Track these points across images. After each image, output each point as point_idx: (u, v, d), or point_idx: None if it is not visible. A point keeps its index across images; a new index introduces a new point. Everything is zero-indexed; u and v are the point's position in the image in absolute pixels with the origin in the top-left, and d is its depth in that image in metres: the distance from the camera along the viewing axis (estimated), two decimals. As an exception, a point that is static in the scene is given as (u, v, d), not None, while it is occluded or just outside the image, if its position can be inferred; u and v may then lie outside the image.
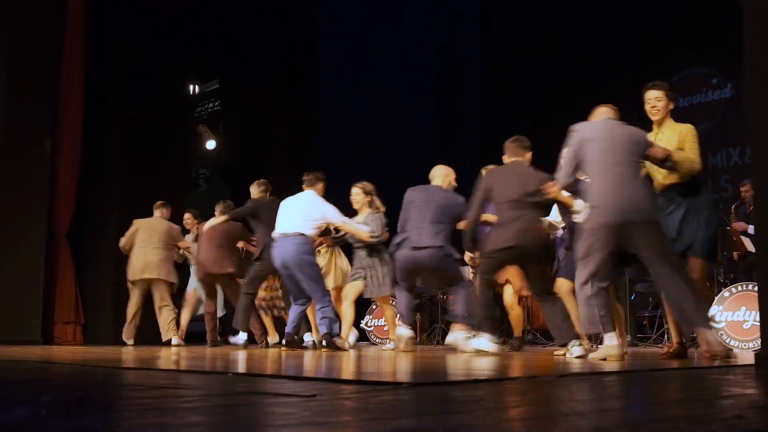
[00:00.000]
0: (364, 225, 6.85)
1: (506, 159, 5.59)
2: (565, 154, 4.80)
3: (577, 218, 5.02)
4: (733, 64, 9.61)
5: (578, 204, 5.02)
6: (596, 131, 4.69)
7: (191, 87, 11.68)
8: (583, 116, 5.01)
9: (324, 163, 10.75)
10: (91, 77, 9.35)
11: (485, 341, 5.46)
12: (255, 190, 7.60)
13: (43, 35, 8.85)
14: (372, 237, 6.73)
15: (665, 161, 4.66)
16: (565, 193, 5.15)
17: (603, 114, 4.89)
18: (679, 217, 4.78)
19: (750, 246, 7.12)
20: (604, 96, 5.58)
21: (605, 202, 4.51)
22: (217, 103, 12.80)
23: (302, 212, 6.71)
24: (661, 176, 4.87)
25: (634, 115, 5.09)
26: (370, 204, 7.03)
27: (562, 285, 5.52)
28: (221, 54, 11.22)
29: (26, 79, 8.71)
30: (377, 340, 9.30)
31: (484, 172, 6.01)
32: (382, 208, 7.04)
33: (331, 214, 6.72)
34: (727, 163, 10.28)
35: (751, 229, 7.16)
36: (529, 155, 5.55)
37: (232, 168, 12.00)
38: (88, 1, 9.30)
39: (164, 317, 8.19)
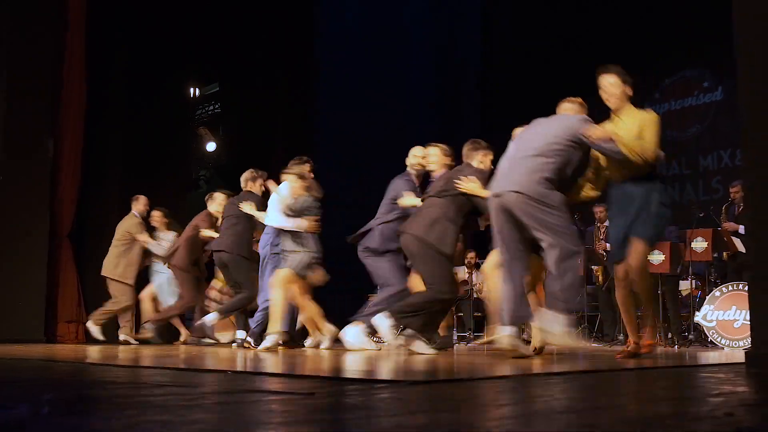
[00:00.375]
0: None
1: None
2: None
3: None
4: (724, 67, 9.68)
5: None
6: (525, 129, 4.74)
7: (192, 90, 11.74)
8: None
9: (324, 163, 10.76)
10: (91, 78, 9.38)
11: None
12: (242, 181, 7.44)
13: (43, 36, 8.85)
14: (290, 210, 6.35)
15: (609, 145, 4.40)
16: None
17: (564, 109, 4.86)
18: (626, 208, 4.56)
19: (740, 246, 7.18)
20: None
21: (495, 180, 4.56)
22: (217, 106, 12.87)
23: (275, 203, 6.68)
24: (619, 170, 4.63)
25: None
26: (308, 189, 6.63)
27: None
28: (221, 55, 11.25)
29: (27, 79, 8.73)
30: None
31: None
32: (316, 194, 6.61)
33: (271, 199, 6.62)
34: (718, 164, 10.37)
35: (741, 229, 7.23)
36: (481, 155, 5.46)
37: (232, 169, 12.04)
38: (89, 2, 9.31)
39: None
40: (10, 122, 8.59)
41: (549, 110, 5.00)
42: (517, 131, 4.86)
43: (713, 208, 8.00)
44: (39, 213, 8.69)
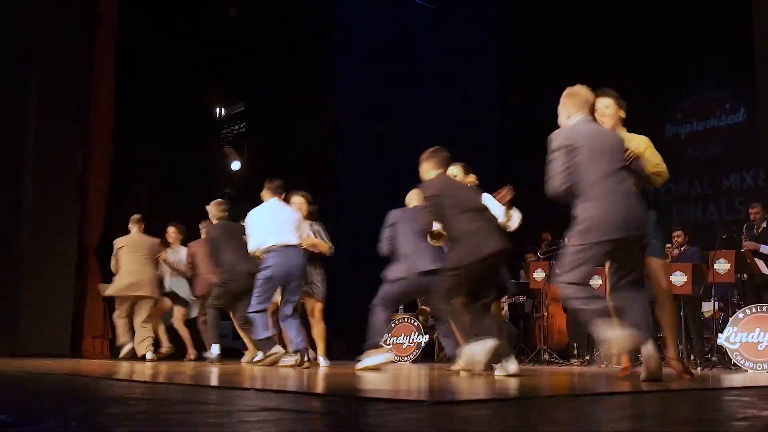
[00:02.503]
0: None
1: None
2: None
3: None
4: (745, 88, 9.69)
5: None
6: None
7: (217, 110, 11.90)
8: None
9: (348, 179, 10.83)
10: (119, 96, 9.57)
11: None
12: (214, 210, 7.68)
13: (74, 55, 9.07)
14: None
15: (636, 162, 4.34)
16: None
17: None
18: None
19: (764, 269, 7.15)
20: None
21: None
22: (242, 125, 13.06)
23: (293, 222, 6.67)
24: None
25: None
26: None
27: None
28: (246, 75, 11.41)
29: (58, 97, 8.94)
30: (396, 358, 9.28)
31: None
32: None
33: (304, 225, 6.76)
34: (741, 185, 10.35)
35: (763, 248, 7.24)
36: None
37: (256, 187, 12.12)
38: (119, 22, 9.52)
39: (142, 333, 8.17)
40: (41, 138, 8.79)
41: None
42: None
43: (736, 229, 7.96)
44: (68, 228, 8.84)
